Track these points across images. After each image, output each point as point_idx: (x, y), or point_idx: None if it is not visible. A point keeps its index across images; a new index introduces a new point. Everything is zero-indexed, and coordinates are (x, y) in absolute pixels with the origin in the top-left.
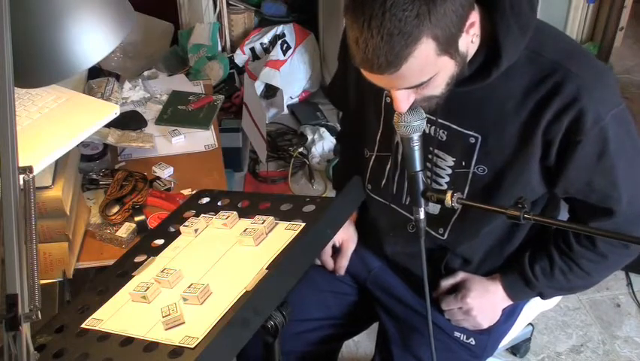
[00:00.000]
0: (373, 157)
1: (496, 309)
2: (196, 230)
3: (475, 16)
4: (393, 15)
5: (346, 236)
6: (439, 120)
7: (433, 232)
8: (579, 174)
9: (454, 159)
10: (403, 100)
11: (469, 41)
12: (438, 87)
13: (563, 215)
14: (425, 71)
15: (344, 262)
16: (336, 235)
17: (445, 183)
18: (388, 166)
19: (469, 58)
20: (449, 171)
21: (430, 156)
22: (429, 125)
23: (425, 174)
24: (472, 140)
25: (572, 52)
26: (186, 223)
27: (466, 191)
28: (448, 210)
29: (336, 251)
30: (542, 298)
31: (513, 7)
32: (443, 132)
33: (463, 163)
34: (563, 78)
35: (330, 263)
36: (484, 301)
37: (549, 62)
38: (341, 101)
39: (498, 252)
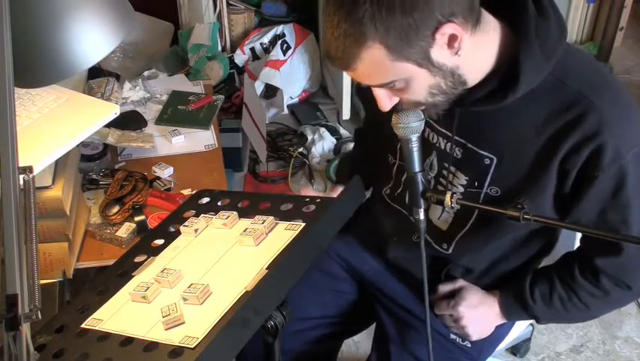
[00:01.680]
0: (396, 165)
1: (488, 324)
2: (196, 230)
3: (454, 29)
4: (342, 16)
5: None
6: (455, 138)
7: (437, 246)
8: (592, 207)
9: (467, 179)
10: (382, 98)
11: (454, 54)
12: (417, 93)
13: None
14: (382, 75)
15: None
16: None
17: None
18: (404, 177)
19: (464, 72)
20: (461, 189)
21: (445, 173)
22: (444, 140)
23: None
24: (487, 161)
25: (599, 84)
26: (186, 223)
27: (476, 211)
28: (456, 226)
29: None
30: (538, 323)
31: (539, 32)
32: (459, 150)
33: (476, 183)
34: (586, 110)
35: None
36: (475, 312)
37: (573, 92)
38: (366, 100)
39: (502, 266)
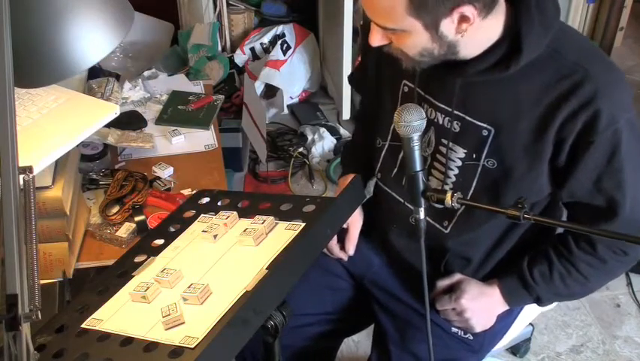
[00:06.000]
0: (386, 146)
1: (491, 313)
2: (215, 236)
3: (471, 12)
4: None
5: (352, 218)
6: (455, 112)
7: (437, 225)
8: (588, 175)
9: (465, 151)
10: (375, 34)
11: (457, 32)
12: (410, 49)
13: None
14: (390, 20)
15: (351, 245)
16: None
17: (454, 175)
18: (401, 155)
19: (460, 48)
20: (459, 163)
21: (442, 149)
22: (442, 115)
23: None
24: (485, 132)
25: (593, 55)
26: (205, 228)
27: (474, 184)
28: None
29: (340, 235)
30: (539, 305)
31: (538, 5)
32: (457, 123)
33: (474, 156)
34: (582, 79)
35: (336, 250)
36: (478, 303)
37: (569, 63)
38: (361, 86)
39: (498, 250)
